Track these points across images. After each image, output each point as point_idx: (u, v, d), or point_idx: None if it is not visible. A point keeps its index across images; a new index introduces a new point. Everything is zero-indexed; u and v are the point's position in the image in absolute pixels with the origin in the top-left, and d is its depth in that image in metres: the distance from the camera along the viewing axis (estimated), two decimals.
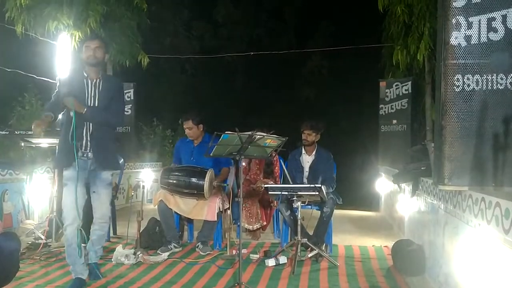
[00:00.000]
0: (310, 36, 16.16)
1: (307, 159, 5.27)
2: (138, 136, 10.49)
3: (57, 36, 7.54)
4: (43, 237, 5.04)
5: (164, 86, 13.99)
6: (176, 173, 4.95)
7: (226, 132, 3.40)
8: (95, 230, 3.93)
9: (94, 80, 3.77)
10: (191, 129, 5.22)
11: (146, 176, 8.09)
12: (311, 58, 16.15)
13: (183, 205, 5.00)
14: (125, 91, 9.12)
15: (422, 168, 4.53)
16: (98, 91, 3.75)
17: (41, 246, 4.80)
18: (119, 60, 8.93)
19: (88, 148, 3.73)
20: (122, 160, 5.66)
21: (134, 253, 4.58)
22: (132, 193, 8.03)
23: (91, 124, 3.72)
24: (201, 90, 15.25)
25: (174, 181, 4.92)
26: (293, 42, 16.23)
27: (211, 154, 3.56)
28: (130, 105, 9.22)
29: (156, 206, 5.05)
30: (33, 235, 5.21)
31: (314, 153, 5.26)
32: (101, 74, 3.83)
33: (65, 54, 7.47)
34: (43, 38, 7.71)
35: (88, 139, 3.72)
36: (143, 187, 5.46)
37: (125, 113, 8.48)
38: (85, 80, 3.75)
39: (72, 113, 3.56)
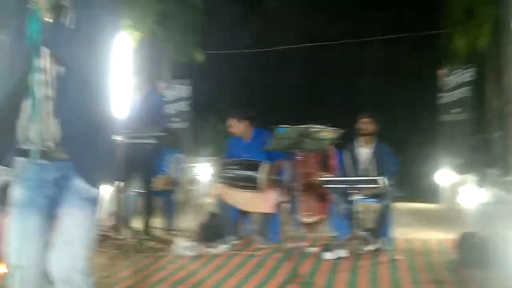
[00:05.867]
0: (365, 25, 15.80)
1: (364, 151, 5.19)
2: (194, 131, 10.69)
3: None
4: (110, 230, 5.23)
5: (219, 82, 14.16)
6: (232, 167, 5.01)
7: (282, 126, 3.40)
8: None
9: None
10: (235, 127, 5.24)
11: (203, 170, 8.28)
12: (366, 48, 15.81)
13: (240, 198, 5.06)
14: (181, 87, 9.39)
15: (487, 158, 4.35)
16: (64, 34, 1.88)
17: (108, 239, 4.98)
18: (175, 58, 9.14)
19: (53, 143, 1.92)
20: (182, 155, 5.81)
21: (193, 246, 4.69)
22: (190, 187, 8.22)
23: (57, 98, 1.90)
24: (255, 84, 15.29)
25: (231, 175, 4.98)
26: (347, 32, 15.92)
27: (267, 148, 3.57)
28: (187, 101, 9.42)
29: (214, 200, 5.14)
30: (101, 228, 5.42)
31: (372, 145, 5.17)
32: None
33: (125, 54, 7.71)
34: None
35: (52, 127, 1.90)
36: (201, 181, 5.59)
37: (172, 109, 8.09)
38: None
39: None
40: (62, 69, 1.88)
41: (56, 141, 1.91)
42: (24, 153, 1.92)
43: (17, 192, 1.95)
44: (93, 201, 1.99)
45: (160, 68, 9.72)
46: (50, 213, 1.95)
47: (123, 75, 7.14)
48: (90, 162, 1.96)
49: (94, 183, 1.99)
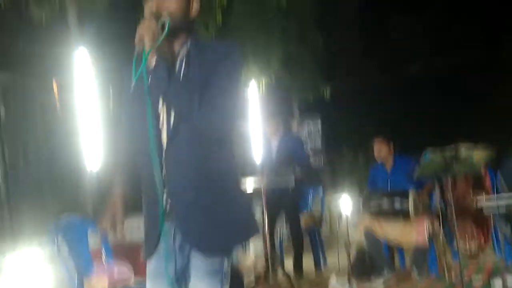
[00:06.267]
0: (502, 26, 14.62)
1: None
2: (331, 165, 10.70)
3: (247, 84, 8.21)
4: (263, 272, 5.37)
5: (348, 112, 14.11)
6: (377, 198, 4.90)
7: (428, 151, 3.27)
8: None
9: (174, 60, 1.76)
10: (381, 148, 5.14)
11: (346, 203, 8.18)
12: (505, 49, 14.59)
13: (390, 230, 4.89)
14: (312, 123, 9.53)
15: None
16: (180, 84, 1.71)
17: (261, 280, 5.12)
18: (303, 96, 9.38)
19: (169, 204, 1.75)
20: (323, 191, 5.84)
21: (349, 282, 4.61)
22: (336, 222, 8.16)
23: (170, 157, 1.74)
24: (388, 110, 14.91)
25: (377, 207, 4.86)
26: (484, 39, 14.87)
27: (415, 176, 3.45)
28: (320, 136, 9.53)
29: (363, 233, 5.04)
30: (254, 270, 5.60)
31: None
32: (188, 44, 1.78)
33: (254, 100, 8.06)
34: None
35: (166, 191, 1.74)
36: (345, 215, 5.53)
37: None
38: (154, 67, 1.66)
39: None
40: (174, 119, 1.73)
41: (171, 202, 1.73)
42: (152, 216, 1.76)
43: (149, 261, 1.81)
44: (216, 273, 1.72)
45: (289, 108, 10.01)
46: (183, 282, 1.77)
47: (255, 121, 7.46)
48: (207, 228, 1.70)
49: (214, 253, 1.72)
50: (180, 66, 1.73)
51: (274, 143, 5.62)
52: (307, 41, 9.25)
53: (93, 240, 3.85)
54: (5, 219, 4.83)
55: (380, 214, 4.85)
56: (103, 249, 3.82)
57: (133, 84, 1.65)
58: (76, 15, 6.05)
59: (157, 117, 1.74)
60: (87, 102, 4.91)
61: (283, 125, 5.76)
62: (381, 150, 5.13)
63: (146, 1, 1.72)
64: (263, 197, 5.05)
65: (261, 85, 8.26)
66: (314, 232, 5.91)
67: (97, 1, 5.94)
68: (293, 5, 8.73)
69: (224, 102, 1.67)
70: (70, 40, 6.03)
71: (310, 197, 6.18)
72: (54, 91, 5.94)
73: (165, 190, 1.71)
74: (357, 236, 5.48)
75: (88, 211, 5.76)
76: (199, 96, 1.64)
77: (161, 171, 1.70)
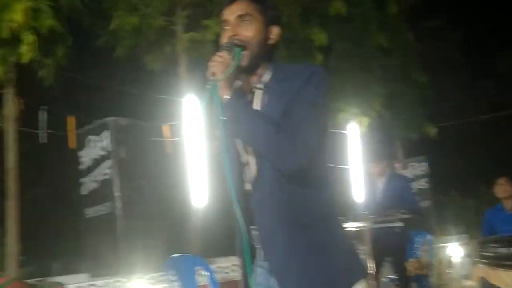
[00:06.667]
0: None
1: None
2: (438, 209, 10.19)
3: (346, 125, 8.13)
4: None
5: (456, 152, 13.44)
6: (494, 245, 4.56)
7: None
8: None
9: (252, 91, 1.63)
10: (506, 189, 4.81)
11: (455, 250, 7.73)
12: None
13: (509, 279, 4.51)
14: (417, 164, 9.19)
15: None
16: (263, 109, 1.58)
17: None
18: (407, 136, 9.13)
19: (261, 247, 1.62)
20: (431, 236, 5.58)
21: None
22: (446, 270, 7.68)
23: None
24: (496, 150, 14.00)
25: (493, 254, 4.53)
26: None
27: None
28: (426, 178, 9.16)
29: (477, 283, 4.71)
30: None
31: None
32: (267, 74, 1.61)
33: (356, 142, 7.93)
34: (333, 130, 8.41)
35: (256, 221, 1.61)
36: (455, 262, 5.22)
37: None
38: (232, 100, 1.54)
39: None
40: (253, 158, 1.57)
41: (263, 249, 1.58)
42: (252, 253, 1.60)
43: None
44: None
45: (392, 148, 9.76)
46: None
47: (358, 162, 7.33)
48: (307, 278, 1.51)
49: None
50: (258, 98, 1.58)
51: (380, 185, 5.48)
52: (410, 79, 9.05)
53: (201, 277, 3.98)
54: (122, 252, 5.16)
55: (498, 262, 4.50)
56: (211, 285, 3.93)
57: (202, 116, 1.59)
58: (185, 64, 6.51)
59: (242, 153, 1.60)
60: (194, 143, 5.20)
61: (388, 167, 5.61)
62: (505, 191, 4.81)
63: (224, 31, 1.61)
64: (368, 241, 4.92)
65: (362, 126, 8.17)
66: (422, 279, 5.59)
67: (205, 51, 6.34)
68: (394, 43, 8.65)
69: (304, 135, 1.48)
70: (180, 87, 6.48)
71: (418, 242, 5.90)
72: (165, 134, 6.36)
73: (257, 236, 1.57)
74: (470, 285, 5.13)
75: (195, 248, 5.97)
76: (277, 129, 1.47)
77: (246, 214, 1.53)
